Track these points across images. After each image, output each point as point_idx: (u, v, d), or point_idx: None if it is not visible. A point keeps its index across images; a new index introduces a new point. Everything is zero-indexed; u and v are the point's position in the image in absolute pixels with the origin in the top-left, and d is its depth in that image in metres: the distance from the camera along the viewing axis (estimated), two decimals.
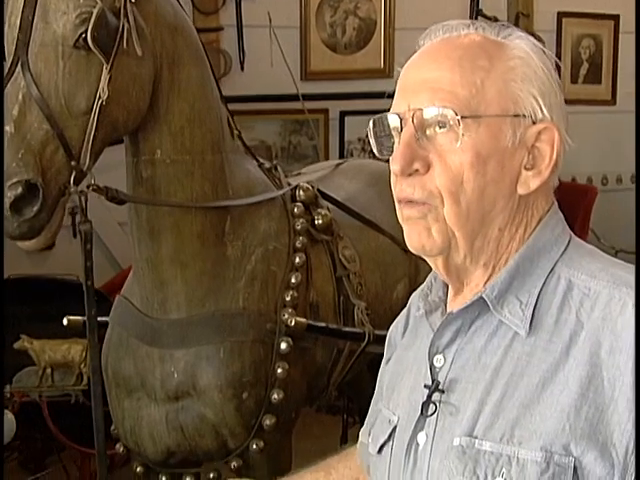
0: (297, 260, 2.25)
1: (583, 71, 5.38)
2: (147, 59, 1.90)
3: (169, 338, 2.10)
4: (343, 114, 4.79)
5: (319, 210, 2.41)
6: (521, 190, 1.13)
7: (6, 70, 1.77)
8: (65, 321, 2.35)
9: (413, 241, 1.16)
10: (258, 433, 2.15)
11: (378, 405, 1.35)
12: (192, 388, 2.09)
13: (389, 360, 1.41)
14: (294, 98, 3.94)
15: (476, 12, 4.98)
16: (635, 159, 4.12)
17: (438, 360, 1.18)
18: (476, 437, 1.08)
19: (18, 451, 3.69)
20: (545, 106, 1.13)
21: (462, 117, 1.09)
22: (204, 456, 2.22)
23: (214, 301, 2.11)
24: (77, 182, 1.81)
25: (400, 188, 1.15)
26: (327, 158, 4.64)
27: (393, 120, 1.15)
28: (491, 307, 1.13)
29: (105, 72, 1.80)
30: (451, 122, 1.10)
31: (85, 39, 1.76)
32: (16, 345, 2.93)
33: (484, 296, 1.13)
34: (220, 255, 2.13)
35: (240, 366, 2.10)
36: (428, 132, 1.12)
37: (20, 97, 1.75)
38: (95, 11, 1.76)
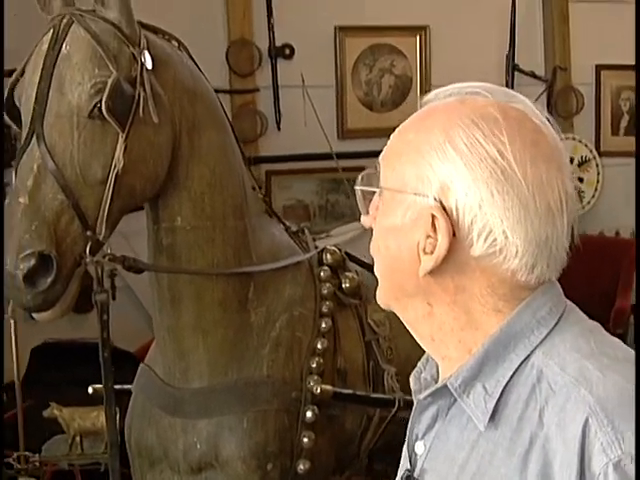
0: (323, 325, 2.21)
1: (624, 123, 5.30)
2: (165, 126, 1.89)
3: (191, 408, 2.06)
4: None
5: (347, 273, 2.37)
6: (420, 272, 1.05)
7: (22, 142, 1.78)
8: (90, 390, 2.33)
9: None
10: None
11: None
12: (215, 459, 2.05)
13: None
14: (331, 157, 3.94)
15: (512, 67, 4.95)
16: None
17: (419, 447, 1.13)
18: None
19: None
20: (445, 195, 1.02)
21: (381, 187, 1.10)
22: None
23: (237, 369, 2.08)
24: (93, 252, 1.79)
25: None
26: None
27: None
28: (456, 395, 1.06)
29: (121, 141, 1.79)
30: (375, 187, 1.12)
31: (100, 109, 1.76)
32: (45, 413, 2.92)
33: (448, 384, 1.06)
34: (243, 322, 2.09)
35: (264, 436, 2.05)
36: None
37: (35, 168, 1.75)
38: (110, 81, 1.76)
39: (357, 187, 1.14)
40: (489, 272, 1.04)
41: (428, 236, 1.03)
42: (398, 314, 1.15)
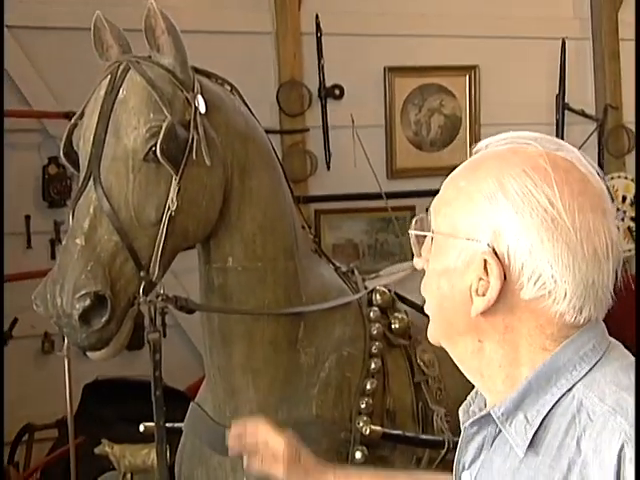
0: (373, 366, 2.21)
1: None
2: (217, 168, 1.93)
3: None
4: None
5: (396, 314, 2.37)
6: (472, 312, 1.11)
7: (79, 184, 1.82)
8: (142, 427, 2.34)
9: None
10: None
11: None
12: None
13: None
14: (380, 196, 3.96)
15: (562, 106, 4.95)
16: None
17: (465, 477, 1.18)
18: None
19: None
20: (497, 241, 1.08)
21: (435, 231, 1.15)
22: None
23: (287, 409, 2.08)
24: (146, 292, 1.82)
25: None
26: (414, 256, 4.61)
27: None
28: (499, 423, 1.12)
29: (174, 183, 1.83)
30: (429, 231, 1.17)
31: (155, 152, 1.80)
32: (97, 450, 2.93)
33: (492, 412, 1.12)
34: (293, 362, 2.10)
35: None
36: None
37: (91, 210, 1.79)
38: (165, 125, 1.80)
39: (411, 231, 1.20)
40: (538, 313, 1.09)
41: (480, 279, 1.09)
42: (448, 350, 1.20)
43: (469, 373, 1.19)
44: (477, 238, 1.09)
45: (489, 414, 1.13)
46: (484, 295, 1.09)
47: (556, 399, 1.08)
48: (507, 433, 1.10)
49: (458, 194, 1.13)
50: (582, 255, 1.06)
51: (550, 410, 1.08)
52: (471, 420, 1.17)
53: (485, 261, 1.08)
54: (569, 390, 1.08)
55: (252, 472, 2.00)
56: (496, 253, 1.07)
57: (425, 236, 1.18)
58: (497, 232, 1.08)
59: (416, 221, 1.20)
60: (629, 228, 5.01)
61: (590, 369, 1.09)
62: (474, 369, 1.17)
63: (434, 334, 1.21)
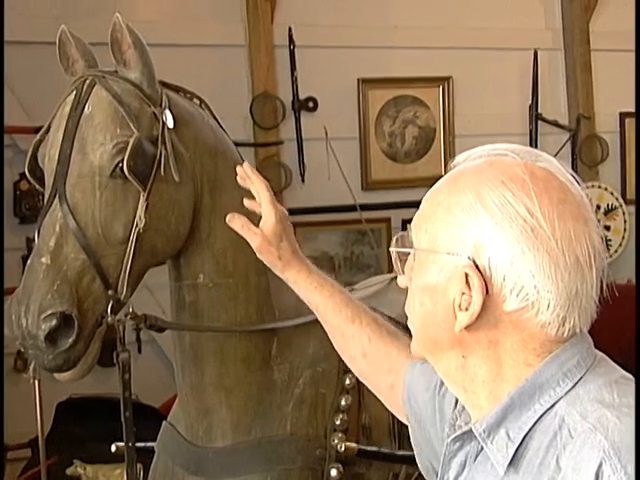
0: (347, 382, 2.18)
1: None
2: (186, 184, 1.90)
3: (215, 467, 2.04)
4: (405, 223, 4.76)
5: None
6: (455, 328, 1.10)
7: (44, 202, 1.79)
8: (113, 448, 2.31)
9: None
10: None
11: None
12: None
13: None
14: (355, 208, 3.95)
15: (535, 116, 4.96)
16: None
17: None
18: None
19: None
20: (477, 254, 1.07)
21: (414, 248, 1.15)
22: None
23: (260, 427, 2.05)
24: (115, 311, 1.79)
25: None
26: (390, 268, 4.60)
27: None
28: (480, 440, 1.10)
29: (142, 200, 1.80)
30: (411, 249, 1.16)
31: (122, 168, 1.77)
32: (68, 471, 2.91)
33: (473, 428, 1.11)
34: (266, 379, 2.07)
35: None
36: None
37: (57, 228, 1.75)
38: (132, 140, 1.77)
39: (392, 249, 1.19)
40: (521, 327, 1.08)
41: (463, 293, 1.08)
42: (432, 364, 1.20)
43: (453, 387, 1.18)
44: (457, 252, 1.08)
45: (471, 430, 1.12)
46: (467, 310, 1.08)
47: (538, 416, 1.07)
48: (488, 450, 1.09)
49: (437, 208, 1.12)
50: (564, 264, 1.05)
51: (532, 427, 1.07)
52: (453, 436, 1.17)
53: (467, 275, 1.06)
54: (551, 407, 1.07)
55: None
56: (477, 266, 1.06)
57: (407, 254, 1.17)
58: (477, 245, 1.06)
59: (397, 239, 1.20)
60: (603, 237, 5.02)
61: (574, 385, 1.08)
62: (458, 384, 1.16)
63: (417, 350, 1.21)
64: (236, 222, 1.68)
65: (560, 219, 1.05)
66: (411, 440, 1.51)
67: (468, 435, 1.14)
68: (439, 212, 1.11)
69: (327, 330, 1.68)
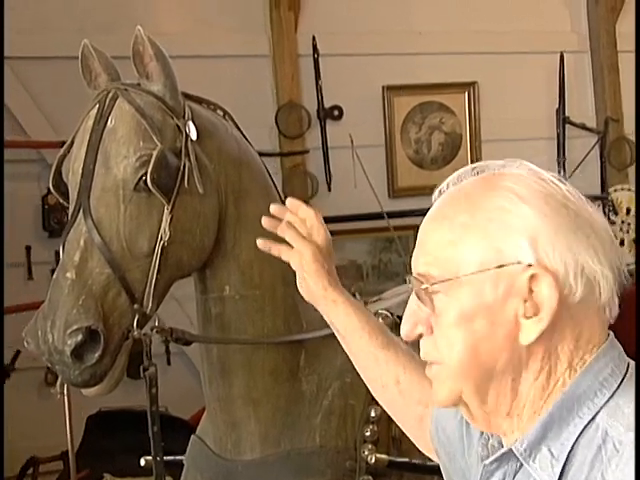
0: None
1: None
2: (211, 196, 1.89)
3: None
4: None
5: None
6: (523, 340, 1.05)
7: (69, 216, 1.79)
8: (142, 462, 2.30)
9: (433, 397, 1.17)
10: None
11: None
12: None
13: None
14: (382, 216, 3.93)
15: (563, 120, 4.92)
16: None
17: None
18: None
19: None
20: (536, 250, 1.04)
21: (444, 280, 1.07)
22: None
23: (289, 440, 2.03)
24: (141, 325, 1.78)
25: (421, 349, 1.14)
26: None
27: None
28: (522, 460, 1.07)
29: (167, 213, 1.79)
30: (435, 286, 1.08)
31: (145, 181, 1.76)
32: None
33: (513, 449, 1.08)
34: (294, 391, 2.06)
35: None
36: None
37: (82, 243, 1.75)
38: (155, 153, 1.77)
39: (413, 300, 1.12)
40: (581, 317, 1.06)
41: (525, 300, 1.04)
42: (471, 408, 1.12)
43: (495, 418, 1.12)
44: (512, 260, 1.04)
45: (510, 450, 1.08)
46: (535, 315, 1.03)
47: (580, 430, 1.04)
48: (532, 470, 1.06)
49: (462, 230, 1.07)
50: (609, 240, 1.07)
51: (575, 442, 1.03)
52: (491, 459, 1.12)
53: (530, 279, 1.03)
54: (592, 419, 1.04)
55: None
56: (539, 264, 1.04)
57: (417, 302, 1.10)
58: (532, 241, 1.04)
59: (417, 294, 1.11)
60: (634, 240, 4.97)
61: (612, 395, 1.05)
62: (501, 413, 1.10)
63: (453, 393, 1.12)
64: (289, 233, 1.61)
65: (587, 203, 1.09)
66: (443, 474, 1.46)
67: (506, 455, 1.10)
68: (468, 233, 1.06)
69: (356, 356, 1.60)
